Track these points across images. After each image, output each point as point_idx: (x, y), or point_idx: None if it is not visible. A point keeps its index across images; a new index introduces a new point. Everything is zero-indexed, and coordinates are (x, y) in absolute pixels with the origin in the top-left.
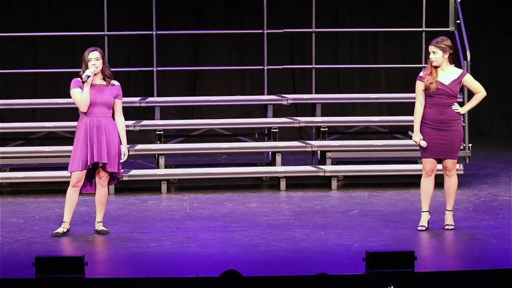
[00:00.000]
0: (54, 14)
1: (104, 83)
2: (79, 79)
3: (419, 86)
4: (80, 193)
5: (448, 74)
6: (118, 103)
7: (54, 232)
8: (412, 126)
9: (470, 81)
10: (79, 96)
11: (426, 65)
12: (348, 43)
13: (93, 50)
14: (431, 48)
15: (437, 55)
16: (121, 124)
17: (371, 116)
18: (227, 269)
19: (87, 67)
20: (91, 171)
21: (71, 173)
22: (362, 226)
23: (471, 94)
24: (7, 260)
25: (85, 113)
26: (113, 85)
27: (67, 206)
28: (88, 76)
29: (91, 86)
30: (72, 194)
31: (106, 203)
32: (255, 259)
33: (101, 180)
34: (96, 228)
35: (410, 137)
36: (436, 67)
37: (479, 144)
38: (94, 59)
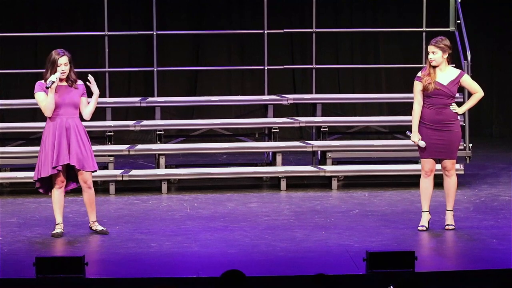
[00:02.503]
0: (54, 14)
1: (69, 83)
2: (43, 81)
3: (417, 86)
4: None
5: (446, 74)
6: (84, 101)
7: (55, 232)
8: (411, 126)
9: (468, 82)
10: (44, 100)
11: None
12: (348, 43)
13: (62, 55)
14: (431, 48)
15: (436, 55)
16: (88, 108)
17: (371, 116)
18: (228, 269)
19: (54, 71)
20: (70, 170)
21: (52, 174)
22: (363, 226)
23: (471, 95)
24: (7, 260)
25: (52, 115)
26: (77, 87)
27: (56, 208)
28: (53, 82)
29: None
30: (58, 196)
31: (95, 202)
32: (255, 259)
33: (87, 183)
34: (95, 229)
35: (408, 137)
36: (434, 67)
37: (479, 144)
38: (63, 64)
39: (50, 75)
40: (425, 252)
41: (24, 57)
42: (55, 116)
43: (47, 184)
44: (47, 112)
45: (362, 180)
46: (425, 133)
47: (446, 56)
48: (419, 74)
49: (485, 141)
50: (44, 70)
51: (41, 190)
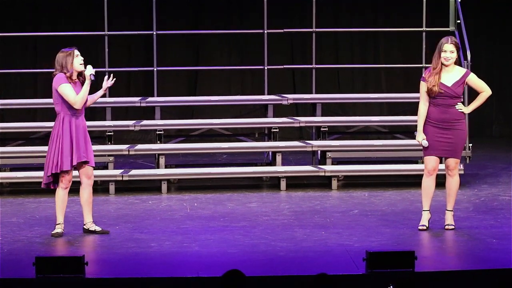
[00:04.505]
0: (55, 14)
1: (80, 80)
2: (62, 74)
3: (423, 87)
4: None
5: (452, 74)
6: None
7: (55, 232)
8: (414, 125)
9: (474, 81)
10: (73, 92)
11: (427, 65)
12: (348, 43)
13: (77, 50)
14: (449, 47)
15: (454, 54)
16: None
17: (371, 116)
18: (228, 269)
19: (74, 67)
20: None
21: (60, 173)
22: (362, 226)
23: (471, 95)
24: (7, 260)
25: (70, 112)
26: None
27: (60, 208)
28: (94, 75)
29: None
30: (63, 196)
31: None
32: (255, 259)
33: (90, 179)
34: (94, 229)
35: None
36: (440, 69)
37: (479, 144)
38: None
39: (73, 70)
40: (425, 252)
41: (24, 57)
42: (73, 114)
43: (56, 180)
44: (79, 105)
45: (362, 180)
46: (431, 131)
47: (457, 55)
48: (424, 74)
49: (485, 141)
50: (53, 70)
51: (52, 186)
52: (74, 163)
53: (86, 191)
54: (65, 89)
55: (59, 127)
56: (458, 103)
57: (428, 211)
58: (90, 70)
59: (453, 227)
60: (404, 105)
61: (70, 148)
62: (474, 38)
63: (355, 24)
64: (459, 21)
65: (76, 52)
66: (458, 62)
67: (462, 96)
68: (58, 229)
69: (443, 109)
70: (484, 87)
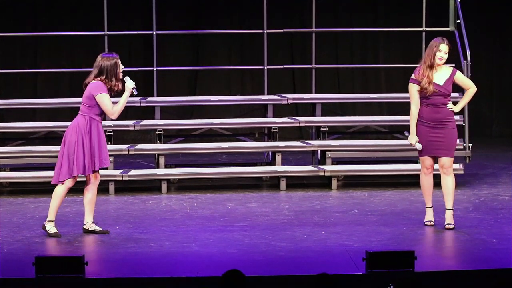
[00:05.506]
0: (54, 14)
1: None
2: (102, 82)
3: (413, 88)
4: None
5: (441, 73)
6: None
7: (52, 232)
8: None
9: (461, 78)
10: (111, 103)
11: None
12: (348, 43)
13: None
14: (445, 48)
15: (446, 55)
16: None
17: (371, 116)
18: (227, 269)
19: (118, 74)
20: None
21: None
22: (362, 226)
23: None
24: (7, 260)
25: (97, 118)
26: None
27: (57, 205)
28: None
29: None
30: (64, 196)
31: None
32: (255, 259)
33: (97, 179)
34: (94, 229)
35: (406, 137)
36: (431, 68)
37: (479, 144)
38: None
39: (116, 79)
40: (424, 251)
41: (24, 57)
42: (99, 120)
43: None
44: (116, 116)
45: (362, 180)
46: (424, 131)
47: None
48: (413, 76)
49: (485, 141)
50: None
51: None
52: (99, 167)
53: (91, 190)
54: (104, 99)
55: (85, 129)
56: (449, 102)
57: (432, 208)
58: (131, 84)
59: (452, 226)
60: (404, 105)
61: (94, 152)
62: (474, 38)
63: (355, 24)
64: (459, 21)
65: (119, 60)
66: (458, 63)
67: (451, 95)
68: (54, 227)
69: (435, 109)
70: (470, 84)
